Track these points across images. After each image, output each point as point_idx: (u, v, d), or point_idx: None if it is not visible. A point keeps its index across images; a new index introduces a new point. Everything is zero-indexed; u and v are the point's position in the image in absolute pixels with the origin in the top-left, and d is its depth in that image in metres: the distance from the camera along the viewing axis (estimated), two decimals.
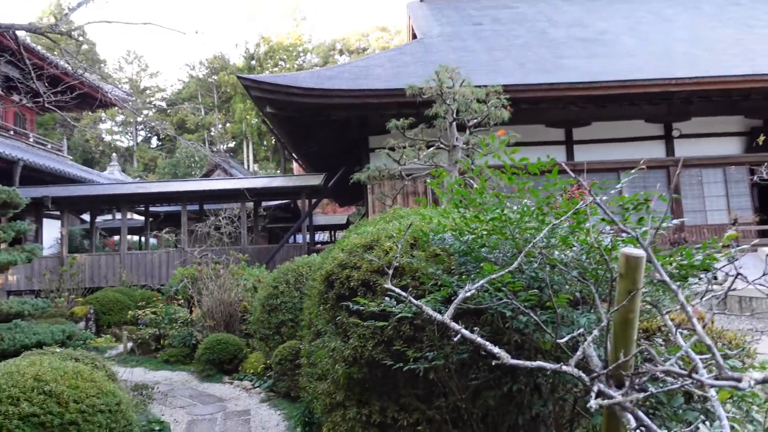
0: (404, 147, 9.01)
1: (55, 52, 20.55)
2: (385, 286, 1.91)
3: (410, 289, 2.59)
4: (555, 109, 13.19)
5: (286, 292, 6.89)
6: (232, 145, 45.64)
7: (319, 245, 20.05)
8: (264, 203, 18.16)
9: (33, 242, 14.32)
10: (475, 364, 2.18)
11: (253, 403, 6.35)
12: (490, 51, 14.97)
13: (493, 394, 2.14)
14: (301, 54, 47.07)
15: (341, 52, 46.31)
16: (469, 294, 1.71)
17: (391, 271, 2.12)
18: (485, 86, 8.74)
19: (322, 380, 3.36)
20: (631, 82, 12.17)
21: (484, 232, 2.16)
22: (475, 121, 8.79)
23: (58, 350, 4.03)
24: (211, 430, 5.36)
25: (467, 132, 8.88)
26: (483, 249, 2.17)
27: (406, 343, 2.44)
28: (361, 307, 2.29)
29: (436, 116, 8.95)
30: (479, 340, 1.51)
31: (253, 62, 44.36)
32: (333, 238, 27.86)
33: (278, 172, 35.14)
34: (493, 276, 1.74)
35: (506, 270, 1.73)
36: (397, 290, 1.87)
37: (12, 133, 19.26)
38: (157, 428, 4.47)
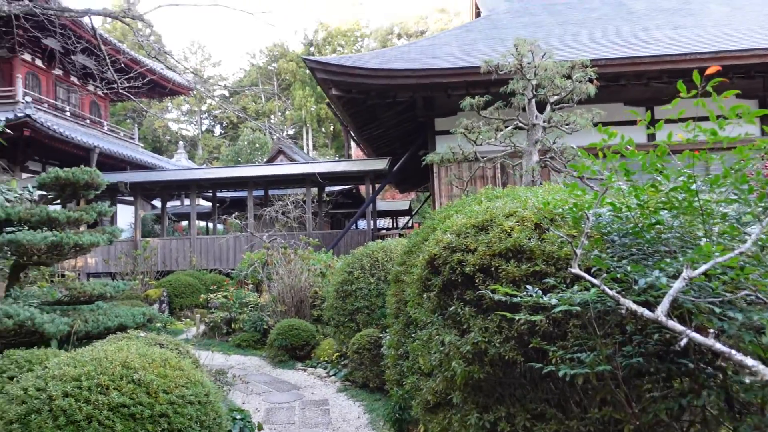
0: (478, 127, 8.52)
1: (125, 44, 21.19)
2: (573, 271, 1.53)
3: (543, 276, 2.19)
4: (636, 86, 12.26)
5: (361, 278, 6.63)
6: (291, 132, 46.15)
7: (383, 231, 19.84)
8: (327, 188, 18.08)
9: (109, 225, 14.82)
10: (647, 372, 1.78)
11: (330, 392, 6.15)
12: (563, 25, 14.10)
13: (664, 407, 1.72)
14: (359, 39, 46.84)
15: (399, 36, 45.70)
16: (682, 285, 1.30)
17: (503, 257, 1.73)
18: (568, 61, 8.11)
19: (426, 377, 3.03)
20: (726, 53, 11.10)
21: (659, 207, 1.74)
22: (556, 97, 8.17)
23: (141, 334, 3.91)
24: (290, 419, 5.18)
25: (548, 109, 8.28)
26: (655, 228, 1.75)
27: (544, 339, 2.05)
28: (502, 297, 1.92)
29: (513, 94, 8.40)
30: (720, 347, 1.12)
31: (312, 48, 44.52)
32: (395, 224, 27.63)
33: (338, 158, 35.20)
34: (721, 259, 1.33)
35: (736, 251, 1.32)
36: (588, 277, 1.48)
37: (88, 121, 20.05)
38: (238, 417, 4.30)
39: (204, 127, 49.18)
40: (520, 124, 8.27)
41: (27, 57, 17.97)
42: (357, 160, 17.59)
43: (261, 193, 17.64)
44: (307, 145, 43.63)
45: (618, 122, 12.78)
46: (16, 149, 15.54)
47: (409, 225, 22.49)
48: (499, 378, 2.36)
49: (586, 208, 1.91)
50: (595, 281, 1.48)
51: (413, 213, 23.48)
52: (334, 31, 45.42)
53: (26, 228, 4.73)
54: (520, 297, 1.87)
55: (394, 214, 27.70)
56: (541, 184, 7.27)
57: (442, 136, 13.27)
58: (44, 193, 5.23)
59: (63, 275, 12.29)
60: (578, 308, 1.67)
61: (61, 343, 4.61)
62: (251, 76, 46.48)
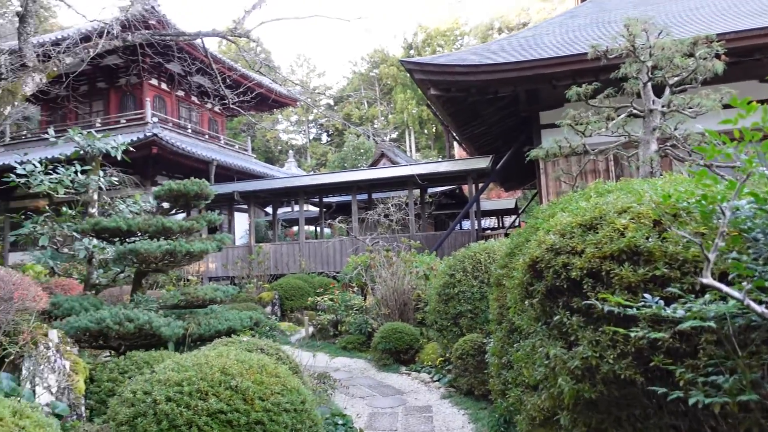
0: (587, 117, 7.93)
1: (239, 64, 22.63)
2: (704, 281, 1.26)
3: (665, 282, 1.87)
4: None
5: (463, 280, 6.40)
6: (394, 135, 46.68)
7: (488, 231, 19.33)
8: (429, 190, 17.96)
9: (226, 233, 15.84)
10: None
11: (434, 398, 5.99)
12: (681, 1, 12.81)
13: None
14: (459, 38, 46.30)
15: (500, 31, 44.51)
16: None
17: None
18: (688, 38, 7.29)
19: (530, 390, 2.78)
20: None
21: None
22: (676, 78, 7.38)
23: (245, 339, 4.03)
24: (393, 425, 5.09)
25: (667, 92, 7.50)
26: None
27: (668, 356, 1.74)
28: (614, 307, 1.65)
29: (625, 79, 7.72)
30: None
31: (411, 51, 44.73)
32: (501, 224, 26.87)
33: (440, 158, 35.01)
34: None
35: None
36: (726, 289, 1.21)
37: (207, 136, 21.64)
38: (340, 422, 4.28)
39: (311, 136, 51.30)
40: (635, 111, 7.57)
41: (153, 81, 19.76)
42: (458, 160, 17.28)
43: (365, 197, 17.93)
44: (410, 147, 43.89)
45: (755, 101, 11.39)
46: (146, 165, 17.12)
47: (516, 224, 21.71)
48: (615, 398, 2.06)
49: (719, 201, 1.58)
50: (736, 294, 1.19)
51: (520, 212, 22.64)
52: (432, 32, 45.30)
53: (145, 238, 5.10)
54: (636, 309, 1.59)
55: (499, 214, 26.93)
56: (661, 175, 6.59)
57: (548, 130, 12.60)
58: (160, 204, 5.63)
59: (187, 280, 13.28)
60: (712, 324, 1.37)
61: (178, 345, 4.89)
62: (354, 83, 47.71)
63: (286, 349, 4.50)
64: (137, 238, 5.11)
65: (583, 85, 7.85)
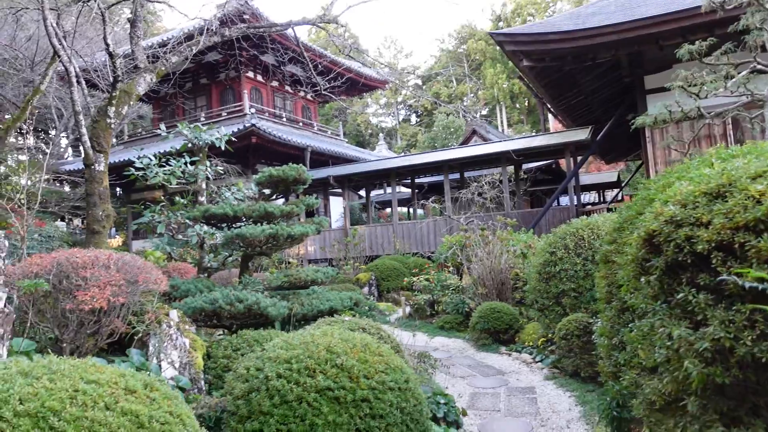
0: (701, 77, 7.23)
1: (329, 50, 23.07)
2: None
3: None
4: None
5: (565, 258, 6.12)
6: (485, 112, 45.60)
7: (589, 206, 18.41)
8: (524, 166, 17.38)
9: (323, 216, 16.38)
10: None
11: (537, 379, 5.82)
12: None
13: None
14: (551, 4, 44.00)
15: None
16: None
17: None
18: None
19: (649, 373, 2.59)
20: None
21: None
22: None
23: (347, 319, 4.12)
24: (495, 406, 5.02)
25: None
26: None
27: None
28: (755, 283, 1.47)
29: (746, 31, 6.93)
30: None
31: (501, 24, 43.21)
32: (603, 198, 25.48)
33: (534, 132, 33.73)
34: None
35: None
36: None
37: (301, 124, 22.36)
38: (442, 401, 4.28)
39: (401, 118, 51.42)
40: (760, 66, 6.79)
41: (249, 74, 20.67)
42: (554, 133, 16.52)
43: (457, 176, 17.72)
44: (501, 123, 42.68)
45: None
46: (246, 155, 18.02)
47: (619, 198, 20.47)
48: (753, 384, 1.86)
49: None
50: None
51: (623, 185, 21.30)
52: (522, 1, 43.41)
53: (249, 223, 5.36)
54: None
55: (599, 188, 25.53)
56: None
57: (654, 95, 11.68)
58: (261, 190, 5.89)
59: (288, 262, 13.90)
60: None
61: (283, 324, 5.11)
62: (441, 61, 47.07)
63: (386, 329, 4.55)
64: (242, 224, 5.40)
65: (696, 43, 7.15)
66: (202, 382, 3.98)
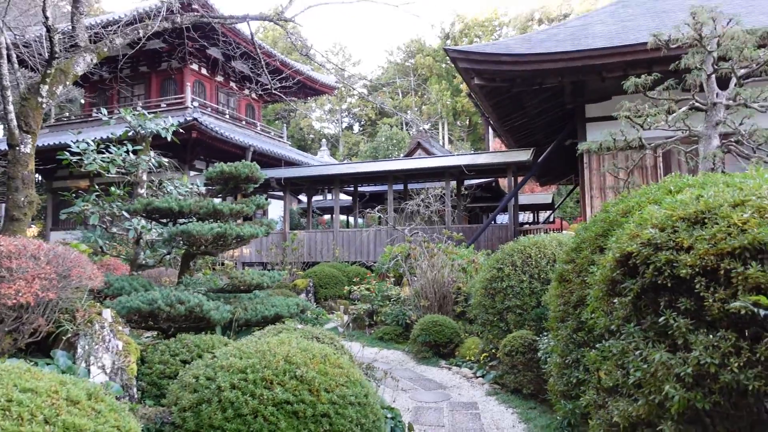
0: (644, 109, 7.58)
1: (276, 50, 22.64)
2: None
3: None
4: None
5: (512, 275, 6.19)
6: (427, 126, 46.28)
7: (526, 225, 18.98)
8: (465, 182, 17.69)
9: (263, 218, 15.91)
10: None
11: (478, 395, 5.82)
12: None
13: None
14: (497, 28, 45.49)
15: (540, 22, 43.55)
16: None
17: None
18: (761, 27, 6.90)
19: (609, 395, 2.59)
20: None
21: None
22: (744, 70, 6.98)
23: (299, 327, 3.93)
24: (439, 421, 4.95)
25: (732, 85, 7.11)
26: None
27: None
28: (741, 309, 1.46)
29: (687, 70, 7.35)
30: None
31: (449, 41, 44.17)
32: (536, 219, 26.39)
33: (473, 150, 34.53)
34: None
35: None
36: None
37: (244, 122, 21.76)
38: (389, 416, 4.15)
39: (344, 125, 51.28)
40: (697, 104, 7.20)
41: (194, 66, 19.91)
42: (499, 152, 16.96)
43: (400, 187, 17.77)
44: (443, 138, 43.46)
45: None
46: (185, 149, 17.28)
47: (551, 220, 21.26)
48: (729, 411, 1.87)
49: None
50: None
51: (555, 207, 22.16)
52: (470, 22, 44.61)
53: (195, 220, 5.05)
54: None
55: (534, 209, 26.44)
56: (723, 172, 6.24)
57: (594, 124, 12.21)
58: (210, 186, 5.58)
59: (223, 264, 13.38)
60: None
61: (224, 329, 4.83)
62: (389, 73, 47.43)
63: (337, 339, 4.39)
64: (187, 220, 5.08)
65: (642, 76, 7.51)
66: (135, 390, 3.66)
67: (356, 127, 52.04)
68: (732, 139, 7.24)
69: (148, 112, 6.80)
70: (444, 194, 14.63)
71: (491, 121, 16.02)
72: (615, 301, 2.45)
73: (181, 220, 5.27)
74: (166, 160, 6.33)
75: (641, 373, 2.12)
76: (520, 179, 14.89)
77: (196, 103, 18.04)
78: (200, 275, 7.96)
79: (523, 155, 14.24)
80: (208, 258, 12.69)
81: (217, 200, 6.61)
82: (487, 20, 44.91)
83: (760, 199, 2.01)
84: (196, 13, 8.82)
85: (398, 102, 44.94)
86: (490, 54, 11.30)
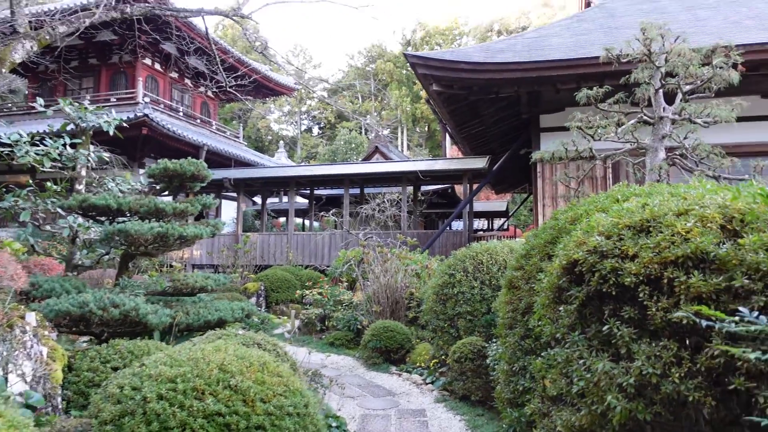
0: (595, 121, 7.76)
1: (234, 48, 22.17)
2: None
3: (746, 294, 1.66)
4: None
5: (463, 281, 6.18)
6: (386, 132, 46.38)
7: (480, 232, 19.18)
8: (422, 188, 17.75)
9: (214, 219, 15.47)
10: None
11: (427, 401, 5.76)
12: (691, 10, 12.73)
13: None
14: (458, 37, 46.12)
15: (499, 33, 44.41)
16: None
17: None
18: (706, 46, 7.17)
19: (553, 403, 2.56)
20: None
21: None
22: (690, 86, 7.23)
23: (240, 332, 3.76)
24: (386, 429, 4.86)
25: (678, 100, 7.35)
26: None
27: (749, 379, 1.53)
28: (683, 319, 1.42)
29: (636, 84, 7.56)
30: None
31: (410, 48, 44.43)
32: (491, 226, 26.76)
33: (431, 157, 34.79)
34: None
35: None
36: None
37: (198, 121, 21.19)
38: (334, 424, 4.04)
39: (303, 128, 50.81)
40: (645, 118, 7.40)
41: (147, 61, 19.26)
42: (455, 159, 17.09)
43: (357, 191, 17.66)
44: (402, 144, 43.65)
45: (755, 117, 11.37)
46: (134, 146, 16.66)
47: (505, 227, 21.60)
48: (669, 421, 1.85)
49: None
50: None
51: (510, 215, 22.54)
52: (431, 30, 45.06)
53: (135, 218, 4.80)
54: (742, 326, 1.36)
55: (489, 216, 26.83)
56: (668, 184, 6.42)
57: (548, 134, 12.44)
58: (153, 183, 5.32)
59: (171, 266, 12.92)
60: None
61: (163, 334, 4.60)
62: (350, 77, 47.33)
63: (280, 345, 4.23)
64: (127, 219, 4.81)
65: (594, 89, 7.67)
66: (59, 399, 3.40)
67: (315, 130, 51.66)
68: (677, 153, 7.47)
69: (98, 106, 6.45)
70: (400, 199, 14.61)
71: (449, 128, 16.13)
72: (561, 308, 2.42)
73: (122, 219, 5.00)
74: (108, 155, 6.00)
75: (584, 382, 2.08)
76: (475, 186, 15.03)
77: (147, 99, 17.43)
78: (146, 277, 7.63)
79: (479, 163, 14.39)
80: (155, 259, 12.23)
81: (167, 199, 6.34)
82: (447, 29, 45.49)
83: (702, 209, 2.01)
84: (147, 4, 8.48)
85: (358, 106, 44.89)
86: (449, 61, 11.36)
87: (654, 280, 1.91)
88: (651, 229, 2.11)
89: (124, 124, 6.49)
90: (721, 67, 6.83)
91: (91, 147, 6.22)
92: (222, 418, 2.27)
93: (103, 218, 4.96)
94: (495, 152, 16.47)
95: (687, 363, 1.70)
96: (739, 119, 7.56)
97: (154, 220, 4.74)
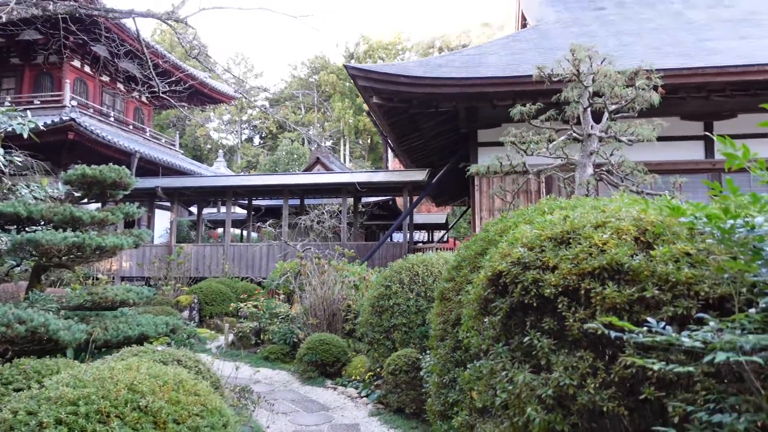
0: (528, 137, 8.01)
1: (174, 55, 21.50)
2: None
3: (656, 305, 1.69)
4: (695, 99, 11.50)
5: (399, 293, 6.16)
6: (329, 143, 46.25)
7: (420, 244, 19.34)
8: (363, 200, 17.74)
9: (144, 229, 14.80)
10: None
11: (362, 416, 5.67)
12: (618, 36, 13.45)
13: None
14: (400, 52, 46.79)
15: (440, 50, 45.42)
16: None
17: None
18: (630, 68, 7.57)
19: (480, 415, 2.55)
20: None
21: None
22: (615, 106, 7.59)
23: (159, 348, 3.55)
24: None
25: (605, 119, 7.70)
26: None
27: (660, 388, 1.55)
28: (596, 329, 1.43)
29: (566, 103, 7.87)
30: None
31: (353, 61, 44.62)
32: (431, 238, 27.08)
33: (374, 169, 34.94)
34: None
35: None
36: None
37: (131, 127, 20.33)
38: None
39: (244, 137, 49.86)
40: (575, 135, 7.71)
41: (75, 63, 18.35)
42: (395, 171, 17.20)
43: (297, 202, 17.42)
44: (344, 156, 43.63)
45: (674, 137, 12.10)
46: (60, 152, 15.76)
47: (445, 239, 21.92)
48: (586, 430, 1.86)
49: (733, 216, 1.41)
50: None
51: (449, 227, 22.90)
52: (375, 44, 45.52)
53: (50, 227, 4.47)
54: (649, 337, 1.38)
55: (429, 228, 27.15)
56: (594, 198, 6.67)
57: (485, 148, 12.74)
58: (71, 190, 5.00)
59: (97, 278, 12.23)
60: (758, 359, 1.17)
61: (79, 352, 4.29)
62: (292, 87, 46.97)
63: (205, 360, 4.04)
64: (40, 228, 4.48)
65: (528, 106, 7.92)
66: None
67: (257, 140, 50.79)
68: (604, 169, 7.81)
69: (21, 108, 6.00)
70: (341, 211, 14.52)
71: (390, 141, 16.24)
72: (486, 320, 2.41)
73: (34, 228, 4.65)
74: (19, 160, 5.59)
75: (507, 394, 2.07)
76: (415, 198, 15.16)
77: (75, 102, 16.56)
78: (68, 290, 7.14)
79: (419, 175, 14.54)
80: (80, 271, 11.53)
81: (93, 207, 5.98)
82: (390, 43, 46.09)
83: (618, 221, 2.06)
84: (72, 2, 8.05)
85: (301, 117, 44.57)
86: (389, 74, 11.45)
87: (572, 291, 1.93)
88: (571, 240, 2.14)
89: (42, 128, 6.08)
90: (643, 89, 7.20)
91: (6, 151, 5.78)
92: None
93: (12, 227, 4.60)
94: (435, 165, 16.71)
95: (602, 374, 1.72)
96: (660, 138, 8.01)
97: (70, 229, 4.44)
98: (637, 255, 1.84)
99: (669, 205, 1.79)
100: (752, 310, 1.33)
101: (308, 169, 24.84)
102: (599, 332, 1.70)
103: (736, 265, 1.46)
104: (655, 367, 1.35)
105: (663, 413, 1.66)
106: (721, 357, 1.17)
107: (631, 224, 2.00)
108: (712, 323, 1.34)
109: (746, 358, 1.17)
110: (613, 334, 1.51)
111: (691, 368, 1.33)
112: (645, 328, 1.43)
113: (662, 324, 1.40)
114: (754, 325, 1.30)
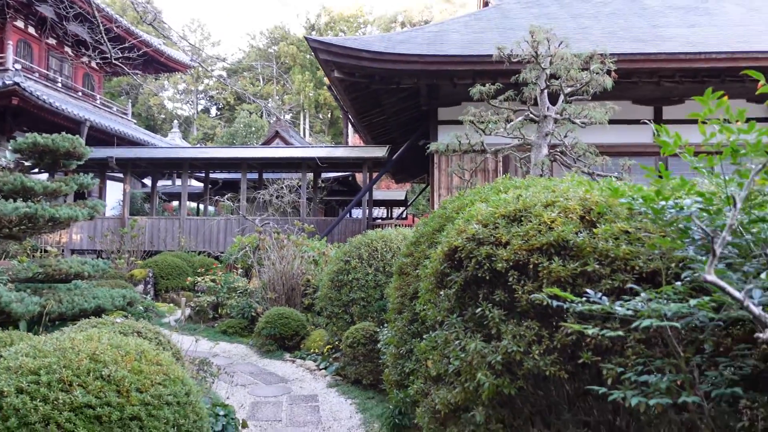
0: (487, 116, 8.16)
1: (125, 19, 20.57)
2: (707, 277, 1.16)
3: (596, 278, 1.84)
4: (646, 84, 11.93)
5: (358, 267, 6.27)
6: (288, 117, 45.52)
7: (379, 220, 19.48)
8: (323, 175, 17.68)
9: (97, 200, 14.34)
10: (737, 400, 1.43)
11: (320, 387, 5.81)
12: (576, 19, 13.72)
13: None
14: (362, 25, 46.20)
15: (402, 24, 45.08)
16: None
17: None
18: (586, 52, 7.78)
19: (435, 383, 2.69)
20: (741, 54, 10.77)
21: None
22: (571, 89, 7.82)
23: (119, 320, 3.54)
24: (277, 415, 4.84)
25: (560, 101, 7.93)
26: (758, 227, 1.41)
27: (596, 353, 1.71)
28: (543, 300, 1.56)
29: (524, 84, 8.05)
30: None
31: (314, 33, 43.82)
32: (390, 215, 27.27)
33: (334, 144, 34.73)
34: None
35: None
36: (726, 286, 1.12)
37: (80, 94, 19.47)
38: (221, 413, 3.95)
39: (200, 108, 48.48)
40: (532, 116, 7.91)
41: (20, 24, 17.36)
42: (356, 147, 17.19)
43: (255, 176, 17.21)
44: (304, 130, 43.09)
45: (626, 121, 12.54)
46: (3, 119, 15.02)
47: (404, 216, 22.15)
48: (530, 394, 2.02)
49: (665, 198, 1.56)
50: (737, 294, 1.12)
51: (408, 204, 23.13)
52: (336, 16, 44.75)
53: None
54: (587, 306, 1.52)
55: (389, 205, 27.33)
56: (549, 178, 6.92)
57: (445, 126, 12.88)
58: (21, 159, 4.83)
59: (45, 251, 11.84)
60: (677, 323, 1.32)
61: (32, 325, 4.23)
62: (251, 57, 45.78)
63: (165, 333, 4.05)
64: None
65: (487, 85, 8.05)
66: None
67: (213, 111, 49.48)
68: (558, 150, 8.07)
69: None
70: (300, 186, 14.46)
71: (351, 116, 16.16)
72: (442, 293, 2.54)
73: None
74: None
75: (459, 362, 2.21)
76: (375, 175, 15.23)
77: (19, 66, 15.73)
78: (15, 263, 6.92)
79: (379, 152, 14.59)
80: (26, 243, 11.14)
81: (43, 177, 5.80)
82: (352, 16, 45.39)
83: (566, 201, 2.20)
84: None
85: (259, 89, 43.60)
86: (351, 48, 11.35)
87: (522, 266, 2.07)
88: (522, 218, 2.27)
89: None
90: (597, 73, 7.44)
91: None
92: (92, 410, 2.14)
93: None
94: (395, 142, 16.78)
95: (546, 341, 1.86)
96: (612, 122, 8.31)
97: (20, 199, 4.31)
98: (581, 232, 1.99)
99: (611, 186, 1.93)
100: (678, 283, 1.49)
101: (267, 143, 24.47)
102: (545, 303, 1.84)
103: (665, 242, 1.62)
104: (590, 332, 1.50)
105: (599, 377, 1.83)
106: (646, 323, 1.32)
107: (578, 204, 2.15)
108: (643, 294, 1.49)
109: (667, 323, 1.32)
110: (555, 303, 1.65)
111: (620, 332, 1.49)
112: (584, 299, 1.57)
113: (599, 295, 1.54)
114: (678, 296, 1.46)
